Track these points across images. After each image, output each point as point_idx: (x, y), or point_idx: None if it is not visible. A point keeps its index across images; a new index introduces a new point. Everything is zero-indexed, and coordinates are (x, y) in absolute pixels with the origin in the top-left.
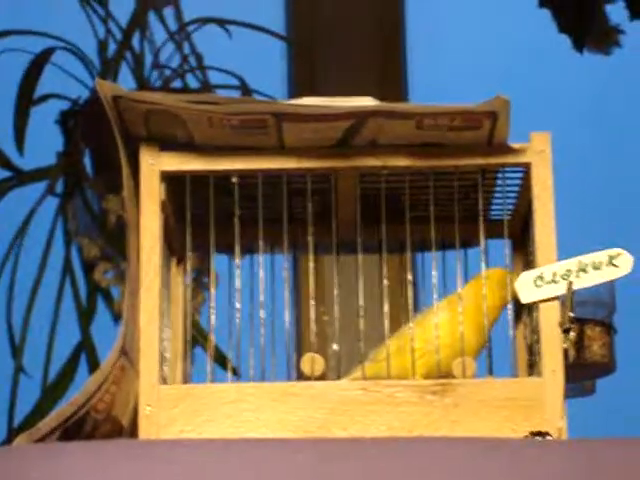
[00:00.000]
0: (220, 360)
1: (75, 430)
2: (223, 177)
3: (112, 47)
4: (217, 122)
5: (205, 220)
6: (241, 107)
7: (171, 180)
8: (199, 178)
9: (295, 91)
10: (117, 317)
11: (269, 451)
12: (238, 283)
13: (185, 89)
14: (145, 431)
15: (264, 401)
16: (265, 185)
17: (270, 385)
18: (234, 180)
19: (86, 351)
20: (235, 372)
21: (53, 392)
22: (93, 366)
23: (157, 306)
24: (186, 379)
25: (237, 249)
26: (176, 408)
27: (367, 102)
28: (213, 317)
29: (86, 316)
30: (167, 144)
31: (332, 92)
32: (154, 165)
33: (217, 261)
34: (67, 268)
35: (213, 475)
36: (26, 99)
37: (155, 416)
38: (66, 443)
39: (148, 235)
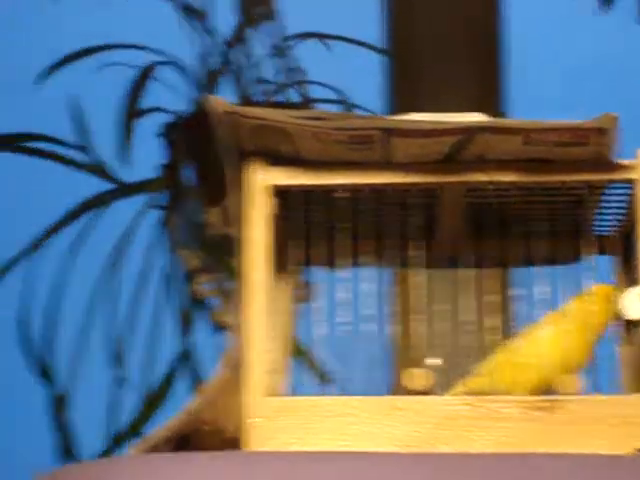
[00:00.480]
0: (320, 372)
1: (184, 441)
2: (328, 191)
3: (213, 61)
4: (324, 137)
5: (309, 233)
6: (349, 123)
7: (275, 193)
8: (303, 191)
9: (394, 105)
10: (216, 327)
11: (373, 465)
12: (340, 296)
13: (287, 103)
14: (250, 443)
15: (369, 415)
16: (370, 199)
17: (375, 399)
18: (340, 194)
19: (186, 360)
20: (335, 385)
21: (154, 401)
22: (193, 375)
23: (263, 319)
24: (289, 391)
25: (338, 263)
26: (281, 420)
27: (475, 118)
28: (316, 330)
29: (186, 326)
30: (273, 158)
31: (430, 105)
32: (263, 179)
33: (320, 274)
34: (168, 279)
35: None
36: (130, 113)
37: (260, 428)
38: (176, 454)
39: (255, 249)
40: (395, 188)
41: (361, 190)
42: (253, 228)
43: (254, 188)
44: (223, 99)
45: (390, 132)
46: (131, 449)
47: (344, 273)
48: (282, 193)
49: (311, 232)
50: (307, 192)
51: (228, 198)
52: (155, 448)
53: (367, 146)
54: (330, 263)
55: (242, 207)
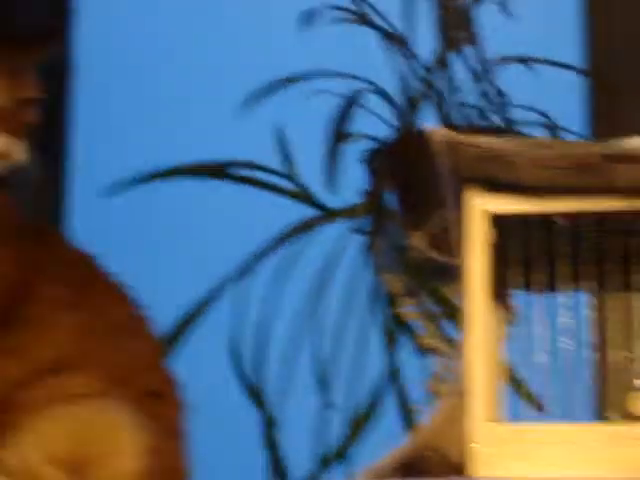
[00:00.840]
0: (535, 399)
1: (410, 468)
2: (546, 216)
3: (415, 86)
4: (546, 164)
5: (527, 259)
6: (571, 150)
7: (493, 220)
8: (521, 218)
9: (596, 125)
10: (420, 350)
11: None
12: (560, 322)
13: (490, 127)
14: (474, 468)
15: (593, 441)
16: (591, 224)
17: (600, 425)
18: (558, 221)
19: (391, 383)
20: (551, 411)
21: (360, 423)
22: (399, 398)
23: (483, 345)
24: (507, 418)
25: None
26: (504, 446)
27: None
28: (535, 356)
29: (390, 349)
30: (491, 186)
31: (633, 125)
32: (481, 206)
33: (539, 300)
34: (372, 302)
35: None
36: (336, 140)
37: (484, 454)
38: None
39: (474, 275)
40: (617, 213)
41: (582, 216)
42: (471, 255)
43: (473, 215)
44: (445, 130)
45: (614, 158)
46: (360, 477)
47: (564, 298)
48: (500, 219)
49: (530, 258)
50: (525, 218)
51: (437, 223)
52: (382, 476)
53: (588, 172)
54: (550, 288)
55: (461, 234)
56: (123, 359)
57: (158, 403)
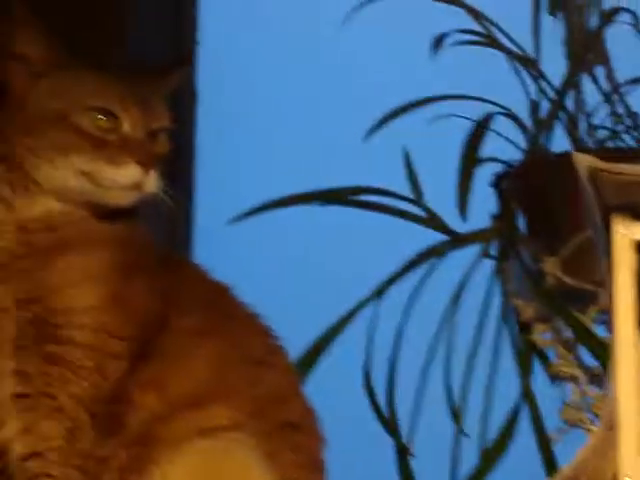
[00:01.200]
0: None
1: None
2: None
3: (544, 107)
4: None
5: None
6: None
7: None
8: None
9: None
10: (554, 378)
11: None
12: None
13: (623, 149)
14: None
15: None
16: None
17: None
18: None
19: (524, 411)
20: None
21: (492, 453)
22: (532, 426)
23: (633, 374)
24: None
25: None
26: None
27: None
28: None
29: (523, 376)
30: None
31: None
32: (627, 234)
33: None
34: (503, 329)
35: None
36: (468, 165)
37: None
38: None
39: (622, 304)
40: None
41: None
42: (617, 284)
43: (618, 243)
44: (590, 157)
45: None
46: None
47: None
48: None
49: None
50: None
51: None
52: None
53: None
54: None
55: (608, 262)
56: (260, 390)
57: (297, 435)
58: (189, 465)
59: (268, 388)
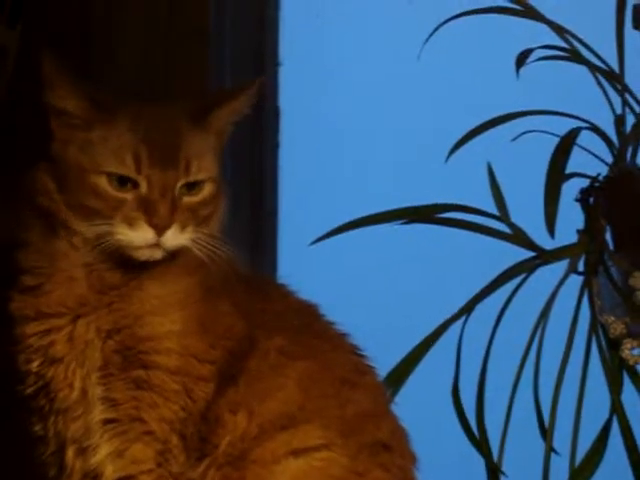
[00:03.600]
0: None
1: None
2: None
3: (630, 121)
4: None
5: None
6: None
7: None
8: None
9: None
10: None
11: None
12: None
13: None
14: None
15: None
16: None
17: None
18: None
19: (618, 428)
20: None
21: (583, 471)
22: (627, 443)
23: None
24: None
25: None
26: None
27: None
28: None
29: (614, 393)
30: None
31: None
32: None
33: None
34: (592, 345)
35: None
36: (555, 180)
37: None
38: None
39: None
40: None
41: None
42: None
43: None
44: None
45: None
46: None
47: None
48: None
49: None
50: None
51: None
52: None
53: None
54: None
55: None
56: (350, 410)
57: (388, 454)
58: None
59: (358, 407)
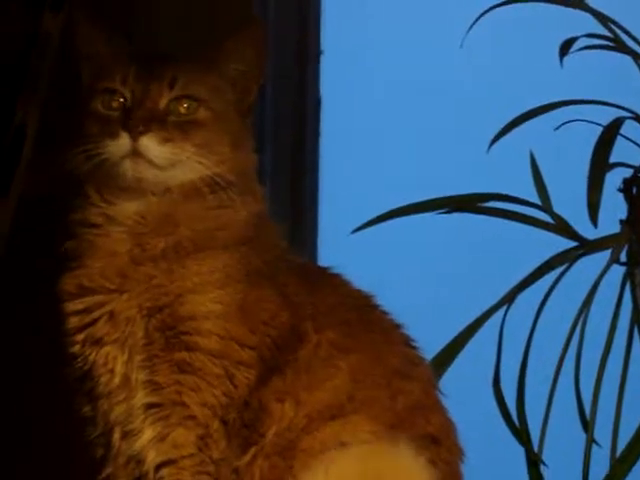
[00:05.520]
0: None
1: None
2: None
3: None
4: None
5: None
6: None
7: None
8: None
9: None
10: None
11: None
12: None
13: None
14: None
15: None
16: None
17: None
18: None
19: None
20: None
21: (623, 463)
22: None
23: None
24: None
25: None
26: None
27: None
28: None
29: None
30: None
31: None
32: None
33: None
34: (634, 336)
35: None
36: (599, 170)
37: None
38: None
39: None
40: None
41: None
42: None
43: None
44: None
45: None
46: None
47: None
48: None
49: None
50: None
51: None
52: None
53: None
54: None
55: None
56: (401, 402)
57: (436, 447)
58: (348, 470)
59: (408, 400)
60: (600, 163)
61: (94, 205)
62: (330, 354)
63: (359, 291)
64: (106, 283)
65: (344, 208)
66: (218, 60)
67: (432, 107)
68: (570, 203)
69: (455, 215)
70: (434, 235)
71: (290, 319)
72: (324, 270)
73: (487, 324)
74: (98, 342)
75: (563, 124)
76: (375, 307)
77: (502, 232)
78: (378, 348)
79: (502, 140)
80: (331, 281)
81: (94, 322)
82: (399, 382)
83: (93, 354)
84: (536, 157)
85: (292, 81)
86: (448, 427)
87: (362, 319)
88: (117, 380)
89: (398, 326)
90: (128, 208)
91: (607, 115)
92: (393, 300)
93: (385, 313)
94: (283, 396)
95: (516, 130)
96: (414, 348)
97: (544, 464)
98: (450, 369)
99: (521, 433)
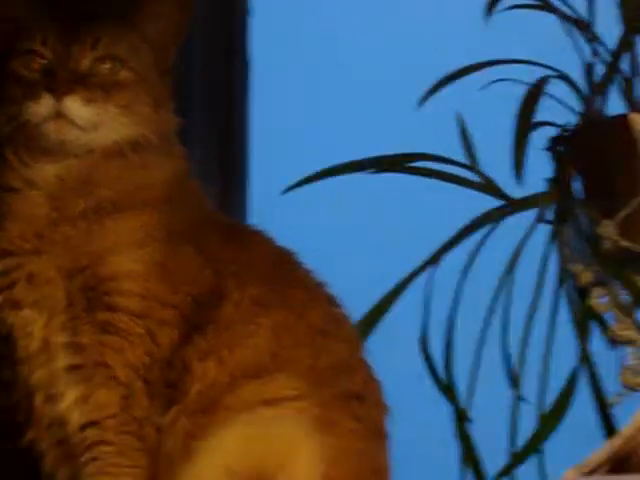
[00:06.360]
0: None
1: (621, 464)
2: None
3: (599, 70)
4: None
5: None
6: None
7: None
8: None
9: None
10: (612, 342)
11: None
12: None
13: None
14: None
15: None
16: None
17: None
18: None
19: (582, 376)
20: None
21: (551, 417)
22: (591, 390)
23: None
24: None
25: None
26: None
27: None
28: None
29: (581, 341)
30: None
31: None
32: None
33: None
34: (560, 294)
35: None
36: (523, 129)
37: None
38: (614, 476)
39: None
40: None
41: None
42: None
43: None
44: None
45: None
46: (567, 473)
47: None
48: None
49: None
50: None
51: (630, 210)
52: (592, 471)
53: None
54: None
55: None
56: (324, 360)
57: (360, 404)
58: (238, 434)
59: (332, 358)
60: (524, 121)
61: (13, 169)
62: (252, 312)
63: (283, 249)
64: (24, 245)
65: (275, 169)
66: (138, 19)
67: (362, 67)
68: (499, 163)
69: (384, 175)
70: (363, 195)
71: (212, 277)
72: (248, 228)
73: (415, 283)
74: (16, 305)
75: (489, 84)
76: (299, 265)
77: (431, 192)
78: (301, 306)
79: (431, 100)
80: (255, 239)
81: (13, 285)
82: (322, 340)
83: (11, 317)
84: (464, 117)
85: (220, 41)
86: (372, 385)
87: (285, 277)
88: (36, 344)
89: (322, 285)
90: (48, 171)
91: (536, 75)
92: (321, 260)
93: (309, 271)
94: (206, 355)
95: (444, 90)
96: (338, 307)
97: (470, 420)
98: (378, 328)
99: (448, 390)
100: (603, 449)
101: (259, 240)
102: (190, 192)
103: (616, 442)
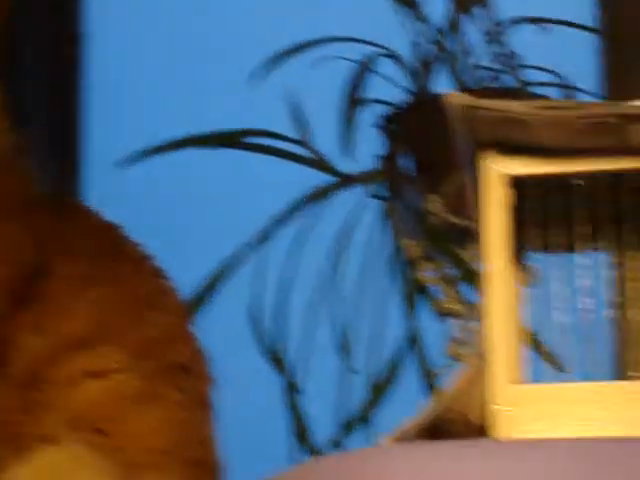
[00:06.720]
0: (554, 359)
1: (434, 430)
2: (564, 178)
3: (427, 50)
4: (561, 125)
5: (545, 220)
6: (587, 111)
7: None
8: (539, 179)
9: (609, 85)
10: (439, 314)
11: (623, 451)
12: (579, 282)
13: (504, 89)
14: (496, 430)
15: (615, 400)
16: (608, 184)
17: (621, 384)
18: (578, 183)
19: (411, 347)
20: (563, 369)
21: (381, 388)
22: (419, 361)
23: (503, 307)
24: (528, 379)
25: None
26: (526, 407)
27: None
28: (554, 316)
29: (410, 314)
30: (509, 149)
31: None
32: (499, 170)
33: (557, 260)
34: (391, 268)
35: (564, 475)
36: (351, 106)
37: (505, 415)
38: (426, 442)
39: (493, 238)
40: (633, 173)
41: (599, 176)
42: (490, 218)
43: (490, 178)
44: (463, 95)
45: (627, 118)
46: (383, 440)
47: (582, 259)
48: (518, 181)
49: (548, 219)
50: (543, 180)
51: (453, 186)
52: (407, 438)
53: (604, 132)
54: (569, 249)
55: (478, 197)
56: (149, 332)
57: (185, 375)
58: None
59: (156, 329)
60: (352, 98)
61: None
62: (77, 285)
63: (110, 223)
64: None
65: (112, 144)
66: None
67: (196, 42)
68: (332, 139)
69: (218, 151)
70: (197, 171)
71: (35, 253)
72: (75, 204)
73: (247, 259)
74: None
75: (319, 61)
76: (126, 239)
77: (264, 168)
78: (126, 279)
79: (263, 76)
80: (78, 212)
81: None
82: (148, 312)
83: None
84: (297, 94)
85: (54, 14)
86: (198, 356)
87: (111, 251)
88: None
89: (148, 257)
90: None
91: (365, 52)
92: (154, 233)
93: (136, 245)
94: (29, 328)
95: (277, 67)
96: (164, 279)
97: (298, 391)
98: (209, 303)
99: (278, 360)
100: (417, 417)
101: (85, 215)
102: (12, 168)
103: (430, 411)
